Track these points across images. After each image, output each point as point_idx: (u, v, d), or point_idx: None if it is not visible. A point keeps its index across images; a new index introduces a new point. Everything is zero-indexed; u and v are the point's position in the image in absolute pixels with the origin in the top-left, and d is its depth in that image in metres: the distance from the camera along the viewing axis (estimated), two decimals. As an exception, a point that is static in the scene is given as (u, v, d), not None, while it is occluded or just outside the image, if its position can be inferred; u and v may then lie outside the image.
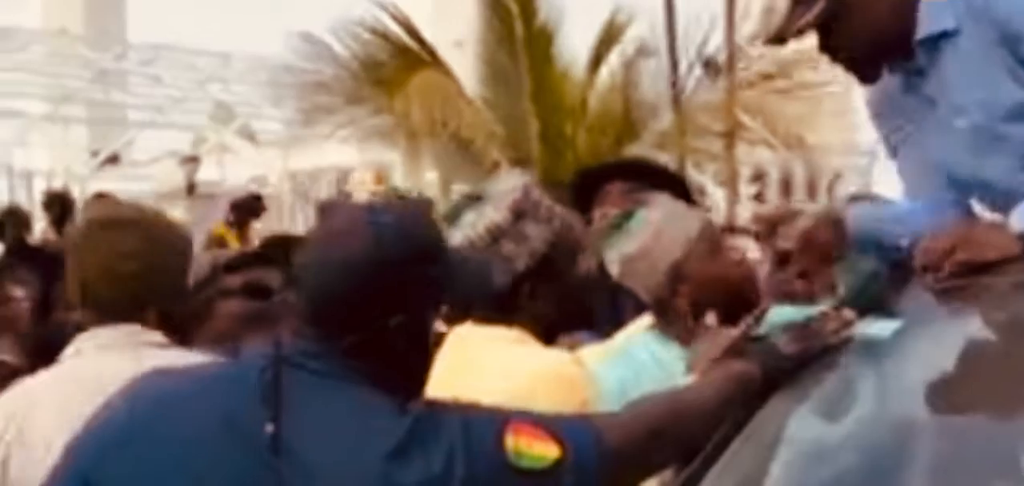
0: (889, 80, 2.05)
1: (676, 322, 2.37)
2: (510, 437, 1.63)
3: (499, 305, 2.15)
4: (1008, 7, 1.91)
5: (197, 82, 18.91)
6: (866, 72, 2.04)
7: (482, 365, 2.08)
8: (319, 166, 18.14)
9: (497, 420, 1.66)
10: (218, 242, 8.15)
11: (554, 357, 2.15)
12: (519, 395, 1.83)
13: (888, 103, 2.09)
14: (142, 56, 19.30)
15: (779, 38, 2.00)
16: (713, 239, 2.44)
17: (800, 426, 1.83)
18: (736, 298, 2.32)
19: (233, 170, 17.28)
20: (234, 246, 7.79)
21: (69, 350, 2.19)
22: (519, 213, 2.15)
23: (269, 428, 1.58)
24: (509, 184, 2.22)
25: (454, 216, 2.17)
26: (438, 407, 1.66)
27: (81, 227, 2.37)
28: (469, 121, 9.01)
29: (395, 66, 9.43)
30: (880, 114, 2.13)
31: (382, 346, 1.64)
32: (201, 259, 2.64)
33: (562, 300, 2.19)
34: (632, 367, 2.33)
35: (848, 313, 1.89)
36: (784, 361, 1.85)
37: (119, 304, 2.17)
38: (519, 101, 9.26)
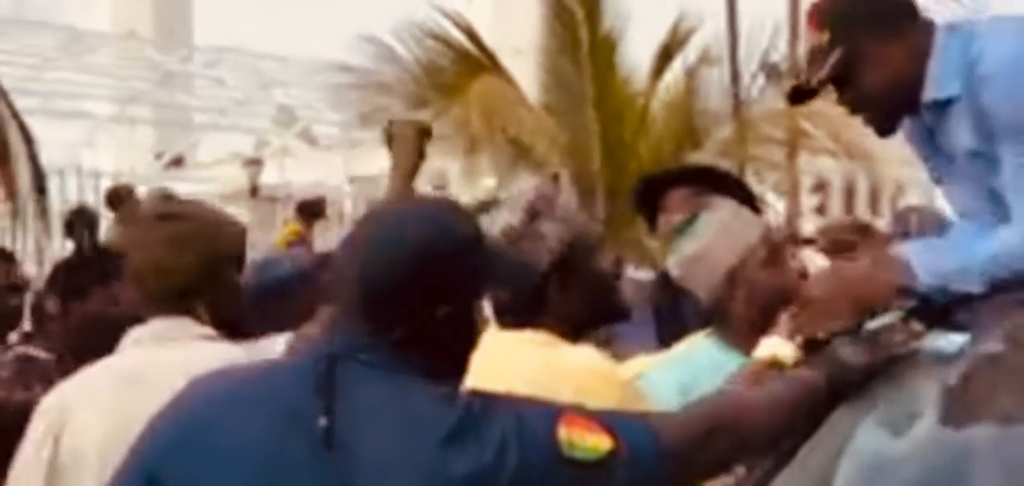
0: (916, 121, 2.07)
1: (735, 328, 2.36)
2: (563, 428, 1.64)
3: (523, 308, 2.18)
4: (991, 98, 1.90)
5: (260, 85, 19.17)
6: (881, 126, 2.08)
7: (510, 371, 2.07)
8: (378, 170, 18.28)
9: (550, 411, 1.67)
10: (300, 239, 8.44)
11: (583, 354, 2.16)
12: (551, 396, 1.84)
13: (918, 143, 2.11)
14: (206, 59, 19.62)
15: (799, 95, 2.08)
16: (773, 248, 2.43)
17: (865, 437, 1.81)
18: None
19: (294, 173, 17.48)
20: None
21: (126, 341, 2.24)
22: (534, 213, 2.19)
23: (322, 421, 1.61)
24: (523, 188, 2.26)
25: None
26: (489, 397, 1.68)
27: (138, 220, 2.44)
28: (530, 128, 9.01)
29: (455, 71, 9.46)
30: (915, 149, 2.14)
31: (430, 337, 1.67)
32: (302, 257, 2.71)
33: (586, 296, 2.21)
34: (690, 371, 2.33)
35: (916, 325, 1.88)
36: (849, 372, 1.84)
37: (171, 296, 2.22)
38: (581, 108, 9.23)
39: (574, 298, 2.20)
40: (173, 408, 1.76)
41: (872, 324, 1.91)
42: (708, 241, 2.39)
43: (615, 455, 1.64)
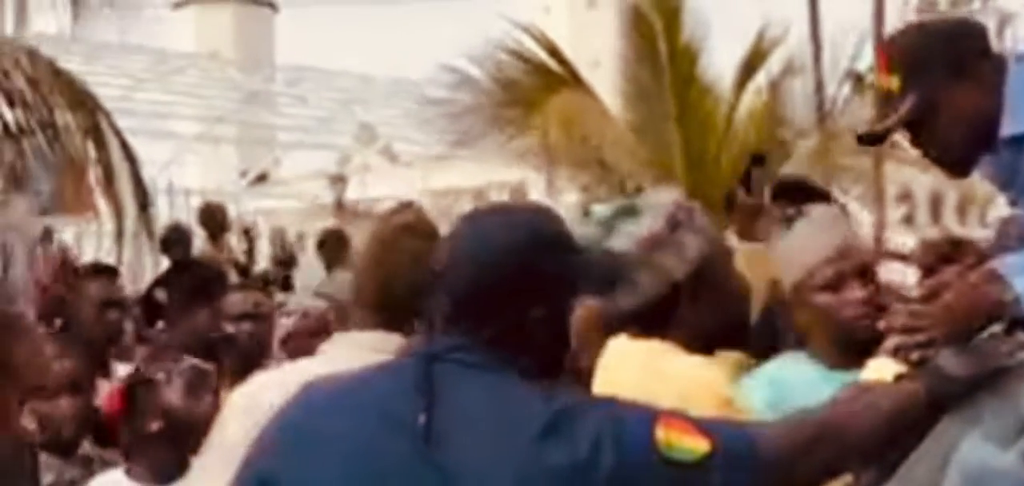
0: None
1: (821, 347, 2.36)
2: (660, 429, 1.66)
3: (655, 318, 2.18)
4: None
5: (341, 103, 19.43)
6: (955, 169, 2.02)
7: (616, 376, 2.12)
8: (458, 186, 18.42)
9: (648, 413, 1.69)
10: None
11: (689, 362, 2.15)
12: (652, 400, 1.85)
13: (997, 178, 2.05)
14: (288, 78, 19.94)
15: (870, 140, 2.03)
16: (841, 270, 2.39)
17: (971, 449, 1.80)
18: (845, 336, 2.31)
19: (374, 189, 17.68)
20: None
21: (337, 346, 2.25)
22: (675, 223, 2.18)
23: (422, 419, 1.66)
24: (661, 197, 2.25)
25: (610, 227, 2.20)
26: (584, 397, 1.73)
27: (386, 230, 2.41)
28: (610, 141, 9.01)
29: (535, 86, 9.50)
30: (993, 182, 2.09)
31: (524, 337, 1.71)
32: None
33: (717, 312, 2.19)
34: (781, 388, 2.31)
35: (1022, 336, 1.86)
36: (952, 383, 1.83)
37: (399, 310, 2.19)
38: (662, 120, 9.20)
39: (705, 312, 2.17)
40: (283, 413, 1.82)
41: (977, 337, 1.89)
42: (784, 256, 2.38)
43: (712, 457, 1.66)
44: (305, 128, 19.45)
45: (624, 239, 2.16)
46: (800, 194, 3.08)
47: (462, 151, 10.90)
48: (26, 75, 7.01)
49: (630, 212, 2.21)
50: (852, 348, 2.31)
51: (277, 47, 21.77)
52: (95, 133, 6.98)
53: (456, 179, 17.65)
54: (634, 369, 2.11)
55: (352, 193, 17.17)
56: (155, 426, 2.78)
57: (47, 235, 7.34)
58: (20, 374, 1.73)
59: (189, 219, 11.13)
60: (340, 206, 15.96)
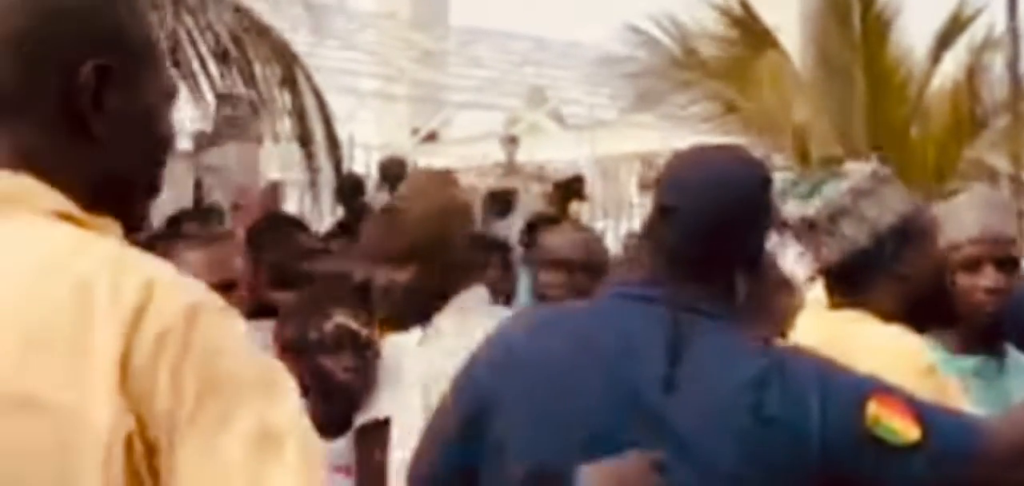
0: None
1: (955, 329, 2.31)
2: (873, 403, 1.66)
3: (847, 287, 2.17)
4: None
5: (513, 65, 19.53)
6: None
7: (809, 341, 2.11)
8: (625, 151, 18.31)
9: (865, 384, 1.70)
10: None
11: (887, 332, 2.13)
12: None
13: None
14: (462, 38, 20.15)
15: None
16: (980, 252, 2.32)
17: None
18: (968, 319, 2.24)
19: (541, 151, 17.72)
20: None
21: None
22: (879, 179, 2.17)
23: (663, 367, 1.69)
24: (861, 166, 2.24)
25: (813, 189, 2.20)
26: (798, 353, 1.73)
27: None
28: (802, 109, 8.81)
29: (722, 52, 9.36)
30: None
31: (742, 285, 1.75)
32: None
33: (911, 285, 2.17)
34: None
35: None
36: None
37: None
38: (849, 88, 8.94)
39: (898, 284, 2.16)
40: (500, 335, 1.88)
41: None
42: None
43: (919, 448, 1.65)
44: (476, 88, 19.62)
45: (827, 197, 2.16)
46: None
47: (636, 115, 10.83)
48: (226, 27, 7.33)
49: (832, 175, 2.21)
50: (973, 335, 2.25)
51: (453, 7, 21.99)
52: (292, 85, 7.25)
53: (624, 144, 17.54)
54: (826, 338, 2.09)
55: (519, 154, 17.26)
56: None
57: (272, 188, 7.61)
58: None
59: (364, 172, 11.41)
60: (512, 166, 16.08)
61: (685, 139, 11.91)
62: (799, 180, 2.32)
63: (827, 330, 2.14)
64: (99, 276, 1.08)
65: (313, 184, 7.37)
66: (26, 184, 1.13)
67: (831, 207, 2.13)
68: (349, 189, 8.35)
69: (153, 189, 1.25)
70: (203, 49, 7.25)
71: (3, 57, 1.15)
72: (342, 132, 17.19)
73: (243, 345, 1.11)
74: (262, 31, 7.43)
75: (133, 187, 1.22)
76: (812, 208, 2.15)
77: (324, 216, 9.54)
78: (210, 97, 7.25)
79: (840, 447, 1.65)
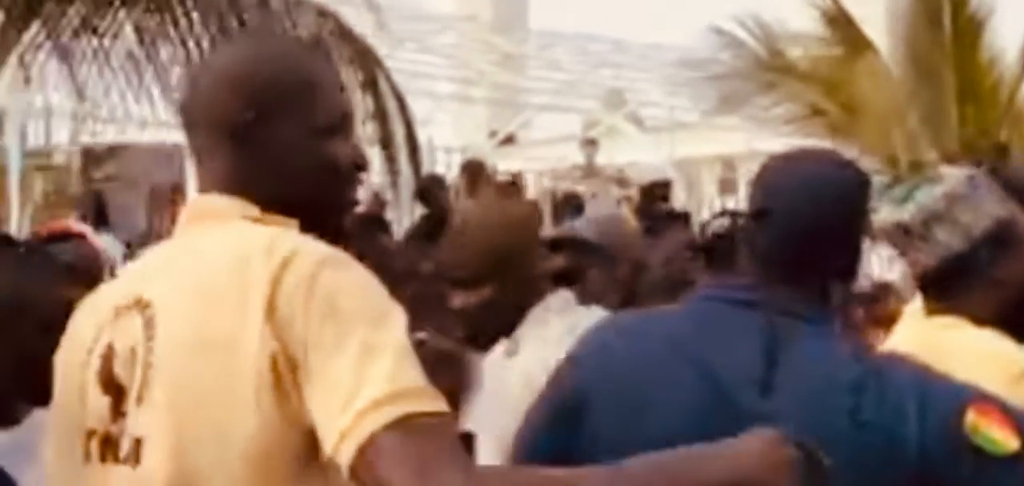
0: None
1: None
2: (972, 411, 1.64)
3: (942, 292, 2.13)
4: None
5: (591, 67, 19.53)
6: None
7: (901, 348, 2.08)
8: (704, 154, 18.20)
9: (963, 392, 1.67)
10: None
11: (980, 336, 2.08)
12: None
13: None
14: (541, 42, 20.21)
15: None
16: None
17: None
18: None
19: (619, 154, 17.70)
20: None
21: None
22: (974, 186, 2.12)
23: (758, 370, 1.69)
24: (956, 171, 2.20)
25: (907, 194, 2.17)
26: (894, 360, 1.71)
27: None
28: (892, 113, 8.67)
29: (812, 53, 9.26)
30: None
31: (837, 290, 1.74)
32: None
33: (1006, 292, 2.12)
34: None
35: None
36: None
37: None
38: (939, 90, 8.79)
39: (993, 289, 2.11)
40: (595, 337, 1.89)
41: None
42: None
43: (1019, 458, 1.62)
44: (554, 91, 19.66)
45: (920, 202, 2.13)
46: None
47: (717, 118, 10.76)
48: (309, 31, 7.43)
49: (929, 181, 2.17)
50: None
51: (532, 10, 22.07)
52: (373, 88, 7.33)
53: (704, 147, 17.44)
54: (921, 343, 2.05)
55: (599, 158, 17.26)
56: None
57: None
58: None
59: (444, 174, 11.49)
60: (590, 169, 16.08)
61: (767, 142, 11.86)
62: (893, 184, 2.28)
63: (921, 336, 2.11)
64: (257, 247, 1.48)
65: (393, 186, 7.47)
66: (230, 202, 1.58)
67: (925, 212, 2.10)
68: (430, 189, 8.41)
69: (333, 204, 1.63)
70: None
71: (225, 97, 1.58)
72: (421, 135, 17.39)
73: (361, 289, 1.46)
74: (344, 34, 7.52)
75: (309, 203, 1.59)
76: (906, 213, 2.11)
77: (403, 219, 9.63)
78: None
79: (938, 454, 1.64)
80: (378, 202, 7.70)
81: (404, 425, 1.35)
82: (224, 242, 1.53)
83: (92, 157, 9.49)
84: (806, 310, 1.72)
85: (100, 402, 1.54)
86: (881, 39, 9.64)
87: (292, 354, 1.42)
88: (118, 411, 1.52)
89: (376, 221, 4.96)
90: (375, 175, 8.63)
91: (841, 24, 9.31)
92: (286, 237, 1.52)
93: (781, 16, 9.50)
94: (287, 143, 1.58)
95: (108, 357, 1.54)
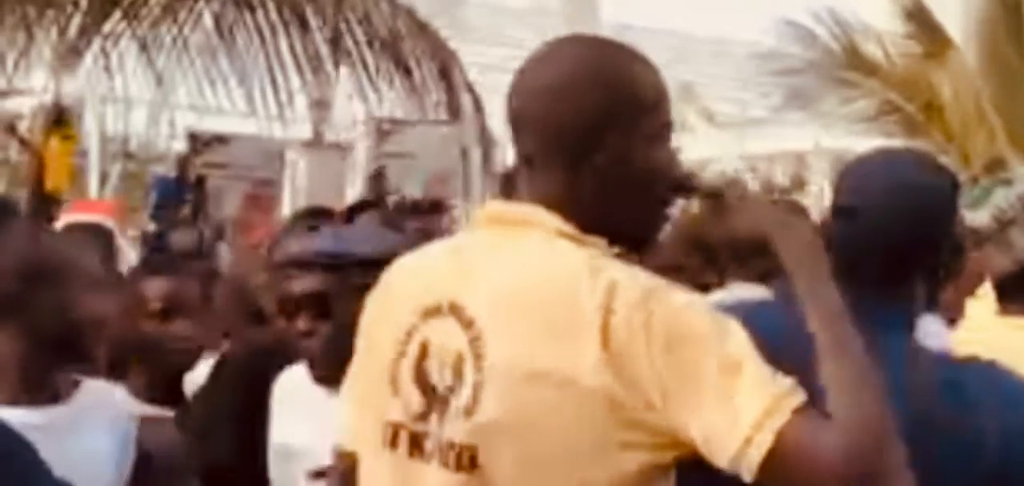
0: None
1: None
2: None
3: (1019, 290, 2.13)
4: None
5: (661, 61, 19.40)
6: None
7: (970, 348, 2.07)
8: (775, 149, 18.01)
9: None
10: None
11: None
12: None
13: None
14: (612, 35, 20.15)
15: None
16: None
17: None
18: None
19: (692, 150, 17.59)
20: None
21: None
22: None
23: None
24: None
25: (983, 196, 2.15)
26: (978, 360, 1.70)
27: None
28: (971, 115, 8.49)
29: (890, 50, 9.12)
30: None
31: (921, 291, 1.71)
32: None
33: None
34: None
35: None
36: None
37: None
38: (1017, 92, 8.60)
39: None
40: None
41: None
42: None
43: None
44: (624, 86, 19.58)
45: (997, 204, 2.11)
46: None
47: (788, 113, 10.63)
48: (385, 21, 7.49)
49: (1004, 183, 2.15)
50: None
51: (603, 4, 22.00)
52: (446, 80, 7.37)
53: (775, 142, 17.27)
54: (995, 345, 2.05)
55: (668, 152, 17.13)
56: None
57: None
58: None
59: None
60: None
61: (839, 139, 11.73)
62: (968, 187, 2.25)
63: (994, 336, 2.10)
64: (579, 272, 1.49)
65: (465, 178, 7.51)
66: (532, 210, 1.57)
67: (1000, 215, 2.08)
68: (504, 184, 8.44)
69: (653, 216, 1.63)
70: (363, 42, 7.42)
71: (563, 108, 1.58)
72: (493, 128, 17.43)
73: (691, 309, 1.48)
74: (421, 27, 7.57)
75: (629, 219, 1.59)
76: (981, 216, 2.09)
77: (472, 212, 9.65)
78: (371, 92, 7.43)
79: (1018, 456, 1.62)
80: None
81: (799, 415, 1.42)
82: (540, 259, 1.54)
83: (199, 143, 9.62)
84: (888, 312, 1.70)
85: (413, 399, 1.57)
86: (958, 38, 9.46)
87: (639, 387, 1.44)
88: (430, 412, 1.55)
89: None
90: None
91: (921, 21, 9.13)
92: (603, 261, 1.52)
93: (857, 10, 9.36)
94: (621, 154, 1.57)
95: (422, 357, 1.57)
